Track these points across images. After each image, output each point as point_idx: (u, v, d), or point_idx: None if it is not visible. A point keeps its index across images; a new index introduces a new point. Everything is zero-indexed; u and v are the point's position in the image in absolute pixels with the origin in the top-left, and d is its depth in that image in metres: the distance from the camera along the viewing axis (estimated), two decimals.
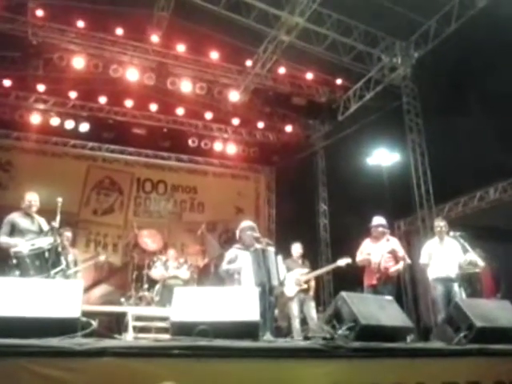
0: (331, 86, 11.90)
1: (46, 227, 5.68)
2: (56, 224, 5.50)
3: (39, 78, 10.66)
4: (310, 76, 11.74)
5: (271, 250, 5.44)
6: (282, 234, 12.28)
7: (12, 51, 9.88)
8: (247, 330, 3.33)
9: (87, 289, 10.55)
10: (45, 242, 5.31)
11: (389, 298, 4.36)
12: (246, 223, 5.84)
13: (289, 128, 13.13)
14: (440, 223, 6.74)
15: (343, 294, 3.78)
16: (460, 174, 9.83)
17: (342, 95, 11.73)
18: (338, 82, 11.73)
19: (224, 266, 5.64)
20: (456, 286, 6.30)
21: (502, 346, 3.68)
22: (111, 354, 2.63)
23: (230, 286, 5.55)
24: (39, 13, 9.51)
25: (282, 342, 3.93)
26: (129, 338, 6.75)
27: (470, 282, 7.16)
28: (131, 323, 7.28)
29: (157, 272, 9.16)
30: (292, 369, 2.99)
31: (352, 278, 7.47)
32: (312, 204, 13.16)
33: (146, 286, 9.16)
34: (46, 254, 5.18)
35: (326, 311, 3.99)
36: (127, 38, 10.35)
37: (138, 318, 7.51)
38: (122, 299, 9.11)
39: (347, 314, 3.64)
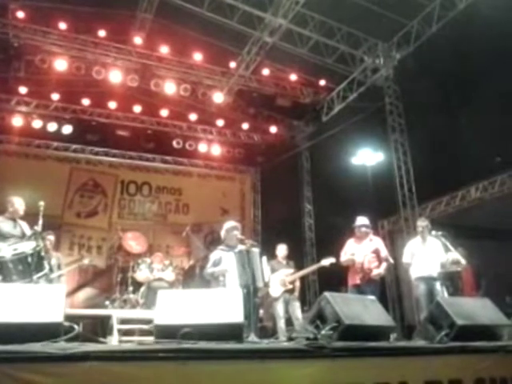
0: (315, 87, 11.98)
1: (28, 231, 5.63)
2: (39, 228, 5.45)
3: (21, 80, 10.56)
4: (293, 77, 11.81)
5: (256, 251, 5.46)
6: (268, 234, 12.32)
7: None
8: (231, 332, 3.34)
9: (72, 292, 10.49)
10: (27, 247, 5.26)
11: (372, 297, 4.40)
12: (231, 224, 5.85)
13: (273, 129, 13.18)
14: (422, 223, 6.82)
15: (326, 294, 3.81)
16: (442, 174, 9.97)
17: (326, 96, 11.81)
18: (322, 83, 11.81)
19: (208, 268, 5.62)
20: (438, 285, 6.39)
21: (482, 343, 3.74)
22: (95, 359, 2.61)
23: (215, 287, 5.55)
24: (20, 14, 9.44)
25: (265, 344, 3.95)
26: (114, 341, 6.70)
27: (451, 280, 7.26)
28: (116, 326, 7.24)
29: (141, 274, 9.13)
30: (276, 369, 3.00)
31: (337, 278, 7.54)
32: (297, 204, 13.21)
33: (130, 288, 9.12)
34: (29, 259, 5.13)
35: (310, 311, 4.02)
36: (110, 39, 10.31)
37: (123, 321, 7.46)
38: (107, 302, 9.06)
39: (330, 314, 3.66)
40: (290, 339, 3.55)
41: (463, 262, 6.56)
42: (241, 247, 5.44)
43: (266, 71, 11.49)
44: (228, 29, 9.36)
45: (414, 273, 6.60)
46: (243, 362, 2.93)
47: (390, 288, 11.21)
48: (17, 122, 11.29)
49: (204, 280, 6.31)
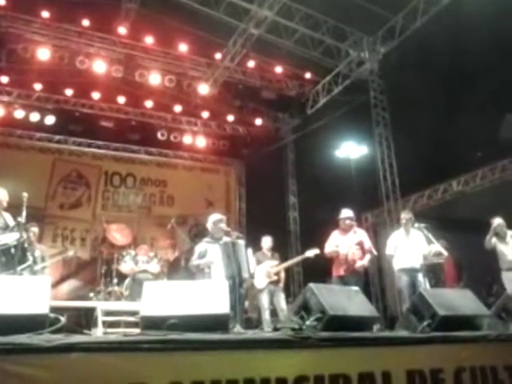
0: (300, 79, 12.00)
1: (11, 223, 5.57)
2: (22, 219, 5.39)
3: (2, 70, 10.39)
4: (279, 70, 11.81)
5: (241, 242, 5.49)
6: (253, 226, 12.35)
7: None
8: (217, 323, 3.36)
9: (55, 284, 10.41)
10: (11, 238, 5.20)
11: (355, 288, 4.45)
12: (217, 216, 5.86)
13: (258, 121, 13.17)
14: (406, 215, 6.90)
15: (311, 285, 3.84)
16: (425, 167, 10.09)
17: (311, 89, 11.85)
18: (307, 75, 11.83)
19: (194, 260, 5.63)
20: (420, 276, 6.48)
21: (463, 333, 3.81)
22: (80, 350, 2.61)
23: (200, 279, 5.57)
24: (1, 1, 9.26)
25: (251, 334, 3.98)
26: (98, 333, 6.69)
27: (434, 272, 7.38)
28: (101, 318, 7.22)
29: (126, 266, 9.09)
30: (262, 359, 3.03)
31: (321, 270, 7.60)
32: (282, 197, 13.28)
33: (115, 280, 9.07)
34: (12, 250, 5.07)
35: (295, 302, 4.05)
36: (94, 29, 10.18)
37: (108, 313, 7.42)
38: (91, 294, 9.01)
39: (315, 304, 3.69)
40: (276, 330, 3.57)
41: (445, 253, 6.67)
42: (226, 239, 5.47)
43: (251, 63, 11.47)
44: (214, 20, 9.30)
45: (397, 264, 6.69)
46: (229, 353, 2.95)
47: (374, 279, 11.35)
48: None
49: (189, 272, 6.32)
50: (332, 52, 10.31)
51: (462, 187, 10.16)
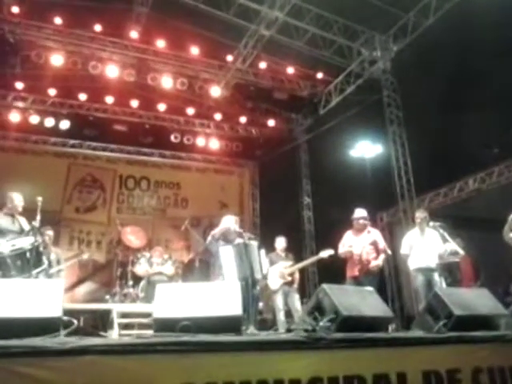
0: (312, 79, 11.95)
1: (26, 227, 5.64)
2: (36, 223, 5.45)
3: (17, 76, 10.53)
4: (291, 70, 11.77)
5: (254, 243, 5.49)
6: (267, 227, 12.31)
7: None
8: (230, 325, 3.36)
9: (72, 287, 10.53)
10: (26, 242, 5.28)
11: (370, 288, 4.42)
12: (229, 218, 5.87)
13: (271, 122, 13.16)
14: (421, 214, 6.83)
15: (324, 286, 3.82)
16: (440, 165, 9.98)
17: (324, 89, 11.78)
18: (319, 75, 11.77)
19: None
20: (436, 276, 6.41)
21: (480, 333, 3.76)
22: (94, 352, 2.63)
23: (214, 280, 5.58)
24: (15, 9, 9.38)
25: (264, 335, 3.97)
26: (114, 335, 6.74)
27: (450, 271, 7.28)
28: (116, 320, 7.27)
29: (141, 268, 9.15)
30: (275, 361, 3.02)
31: (337, 270, 7.55)
32: (296, 197, 13.24)
33: (130, 282, 9.14)
34: (28, 254, 5.15)
35: (308, 303, 4.03)
36: (106, 34, 10.26)
37: (124, 315, 7.49)
38: (107, 296, 9.10)
39: (329, 305, 3.67)
40: (289, 331, 3.56)
41: (461, 252, 6.60)
42: (239, 240, 5.47)
43: (263, 64, 11.46)
44: (224, 22, 9.32)
45: (412, 264, 6.62)
46: (242, 354, 2.95)
47: (390, 279, 11.25)
48: (14, 117, 11.25)
49: (203, 273, 6.35)
50: (344, 51, 10.25)
51: (479, 185, 10.00)
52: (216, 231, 5.69)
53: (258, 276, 5.28)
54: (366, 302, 4.00)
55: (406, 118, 9.98)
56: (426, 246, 6.55)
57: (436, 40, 8.80)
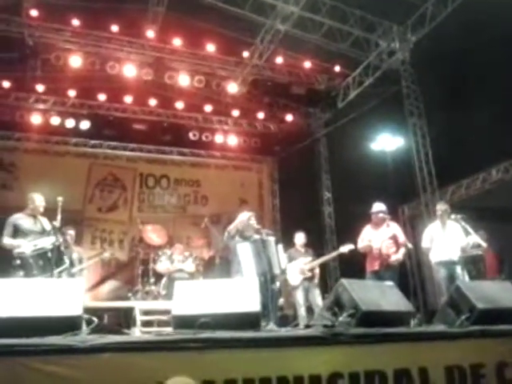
0: (330, 73, 11.84)
1: (48, 227, 5.73)
2: (57, 223, 5.54)
3: (38, 79, 10.70)
4: (308, 64, 11.68)
5: (271, 239, 5.49)
6: (287, 223, 12.29)
7: (9, 52, 9.86)
8: (248, 321, 3.36)
9: (96, 285, 10.70)
10: (47, 242, 5.37)
11: (389, 283, 4.37)
12: (246, 214, 5.87)
13: (289, 117, 13.10)
14: (442, 207, 6.74)
15: (343, 280, 3.79)
16: (462, 157, 9.80)
17: (341, 82, 11.68)
18: (337, 69, 11.66)
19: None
20: (459, 269, 6.32)
21: (503, 326, 3.68)
22: (114, 350, 2.66)
23: (234, 276, 5.59)
24: (34, 13, 9.52)
25: (283, 332, 3.96)
26: (137, 332, 6.82)
27: (474, 264, 7.16)
28: (139, 317, 7.36)
29: (162, 266, 9.22)
30: (294, 357, 3.01)
31: (358, 265, 7.49)
32: (316, 192, 13.16)
33: (152, 280, 9.23)
34: (49, 254, 5.24)
35: (327, 298, 4.00)
36: (123, 34, 10.33)
37: (146, 313, 7.58)
38: (130, 294, 9.20)
39: (348, 300, 3.65)
40: (308, 327, 3.54)
41: (484, 245, 6.48)
42: (256, 237, 5.47)
43: (279, 59, 11.40)
44: (240, 18, 9.30)
45: (434, 257, 6.54)
46: (260, 351, 2.95)
47: (412, 273, 11.11)
48: (35, 119, 11.43)
49: (224, 270, 6.36)
50: (361, 44, 10.13)
51: (502, 175, 9.79)
52: (231, 227, 5.69)
53: (277, 271, 5.27)
54: (385, 296, 3.96)
55: (427, 109, 9.83)
56: (448, 238, 6.45)
57: (455, 29, 8.62)
